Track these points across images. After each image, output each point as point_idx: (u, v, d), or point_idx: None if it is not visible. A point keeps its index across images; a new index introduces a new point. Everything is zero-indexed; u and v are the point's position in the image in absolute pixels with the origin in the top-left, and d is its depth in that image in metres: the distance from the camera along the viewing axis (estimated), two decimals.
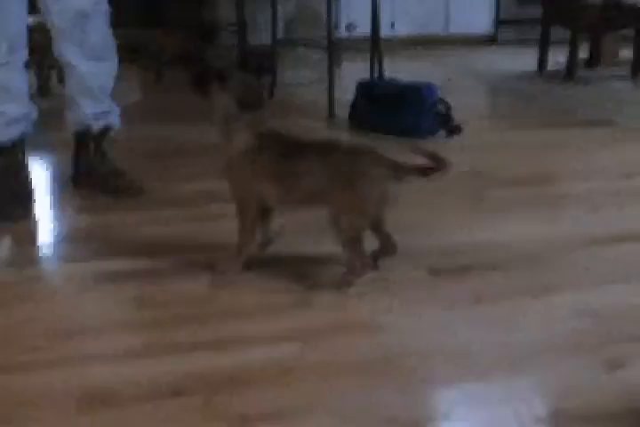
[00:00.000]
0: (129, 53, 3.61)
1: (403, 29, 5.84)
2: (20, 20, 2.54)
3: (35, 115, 2.70)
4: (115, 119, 2.82)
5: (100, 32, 2.62)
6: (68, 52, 2.61)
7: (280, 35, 4.49)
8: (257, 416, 1.52)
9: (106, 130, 2.80)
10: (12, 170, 2.65)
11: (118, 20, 2.72)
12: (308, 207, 2.10)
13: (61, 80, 3.37)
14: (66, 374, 1.68)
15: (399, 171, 2.00)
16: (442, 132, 3.57)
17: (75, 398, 1.58)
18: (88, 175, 2.81)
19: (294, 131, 2.12)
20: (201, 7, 5.50)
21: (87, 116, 2.73)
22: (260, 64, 4.82)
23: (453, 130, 3.58)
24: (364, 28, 4.60)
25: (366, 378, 1.66)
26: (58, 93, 3.58)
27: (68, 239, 2.45)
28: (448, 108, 3.61)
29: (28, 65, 2.70)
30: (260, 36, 4.96)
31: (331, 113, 3.92)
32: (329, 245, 2.07)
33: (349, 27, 5.51)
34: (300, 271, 2.15)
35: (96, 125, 2.76)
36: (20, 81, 2.63)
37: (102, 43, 2.65)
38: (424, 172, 2.01)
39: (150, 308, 1.98)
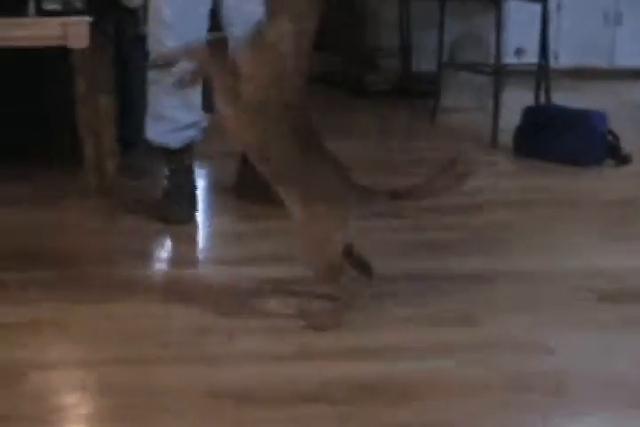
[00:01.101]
0: None
1: (565, 60, 5.71)
2: (201, 30, 2.60)
3: (205, 123, 2.75)
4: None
5: None
6: None
7: (443, 59, 4.43)
8: None
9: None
10: (180, 174, 2.72)
11: None
12: None
13: None
14: (206, 370, 1.68)
15: (363, 195, 1.84)
16: (609, 161, 3.43)
17: (209, 393, 1.57)
18: (252, 184, 2.75)
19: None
20: (363, 31, 5.52)
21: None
22: (423, 89, 4.80)
23: (623, 159, 3.44)
24: (528, 55, 4.50)
25: (514, 396, 1.58)
26: None
27: (227, 243, 2.46)
28: (616, 137, 3.48)
29: None
30: (422, 61, 4.94)
31: (494, 138, 3.82)
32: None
33: (518, 52, 5.42)
34: (468, 288, 2.06)
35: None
36: (194, 90, 2.66)
37: None
38: (394, 195, 1.85)
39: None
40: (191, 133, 2.70)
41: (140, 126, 2.82)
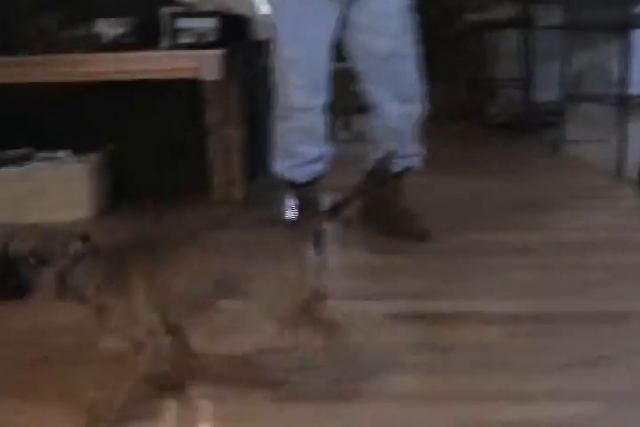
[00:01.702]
0: None
1: None
2: (326, 66, 2.62)
3: (330, 155, 2.77)
4: (417, 161, 2.80)
5: (409, 74, 2.64)
6: (375, 93, 2.65)
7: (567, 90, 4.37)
8: None
9: (406, 170, 2.78)
10: (306, 206, 2.75)
11: None
12: None
13: (347, 126, 3.46)
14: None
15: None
16: None
17: None
18: (379, 214, 2.80)
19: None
20: (483, 63, 5.49)
21: None
22: (544, 120, 4.74)
23: None
24: None
25: None
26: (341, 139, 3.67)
27: (355, 276, 2.46)
28: None
29: (329, 109, 2.74)
30: (542, 92, 4.87)
31: (619, 171, 3.73)
32: None
33: None
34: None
35: (397, 167, 2.72)
36: (321, 124, 2.70)
37: (411, 85, 2.65)
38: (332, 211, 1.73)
39: (438, 352, 1.92)
40: (317, 167, 2.74)
41: (263, 156, 2.87)
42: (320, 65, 2.60)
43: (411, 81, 2.65)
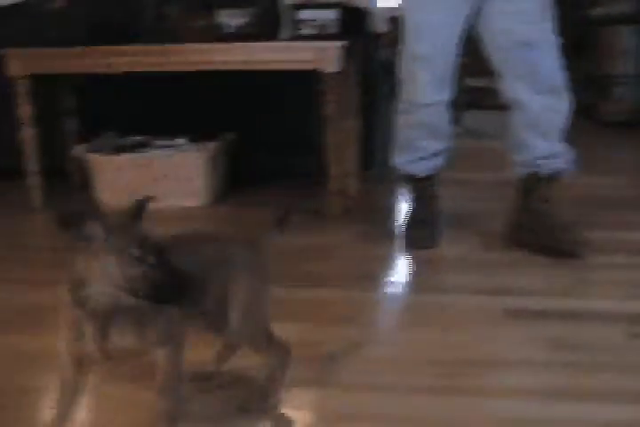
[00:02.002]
0: None
1: None
2: (454, 62, 2.57)
3: (450, 150, 2.73)
4: (568, 163, 2.59)
5: (550, 64, 2.48)
6: (514, 87, 2.51)
7: None
8: None
9: (556, 174, 2.59)
10: (423, 200, 2.74)
11: None
12: None
13: (457, 121, 3.41)
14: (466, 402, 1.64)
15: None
16: None
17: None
18: (529, 224, 2.59)
19: None
20: (597, 60, 5.37)
21: (536, 157, 2.55)
22: None
23: None
24: None
25: None
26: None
27: (470, 271, 2.43)
28: None
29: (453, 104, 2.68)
30: None
31: None
32: None
33: None
34: None
35: (546, 169, 2.56)
36: (444, 120, 2.65)
37: (553, 76, 2.49)
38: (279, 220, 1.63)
39: (564, 350, 1.88)
40: (438, 162, 2.71)
41: (379, 149, 2.87)
42: (448, 61, 2.54)
43: (552, 72, 2.48)
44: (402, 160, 2.72)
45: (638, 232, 2.78)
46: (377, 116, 3.39)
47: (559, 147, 2.56)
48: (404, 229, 2.73)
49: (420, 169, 2.71)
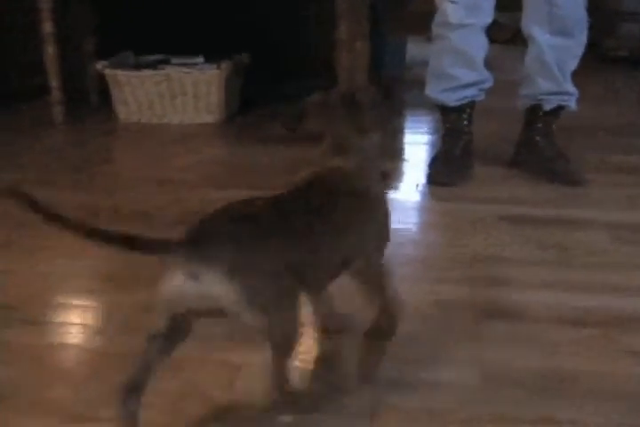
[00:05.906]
0: None
1: None
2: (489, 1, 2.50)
3: (488, 84, 2.66)
4: (570, 101, 2.63)
5: (571, 5, 2.48)
6: (530, 24, 2.52)
7: None
8: None
9: (558, 109, 2.63)
10: (455, 133, 2.69)
11: None
12: None
13: None
14: (475, 290, 1.82)
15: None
16: None
17: (477, 309, 1.71)
18: (529, 155, 2.68)
19: None
20: None
21: (541, 93, 2.60)
22: None
23: None
24: None
25: None
26: None
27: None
28: None
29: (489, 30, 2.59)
30: None
31: None
32: None
33: None
34: None
35: (548, 104, 2.61)
36: (477, 46, 2.58)
37: (572, 17, 2.49)
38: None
39: (555, 249, 2.05)
40: (471, 93, 2.63)
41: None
42: None
43: (568, 11, 2.47)
44: (434, 88, 2.65)
45: (633, 155, 2.92)
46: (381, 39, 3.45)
47: (565, 86, 2.60)
48: (431, 162, 2.68)
49: (453, 99, 2.63)
